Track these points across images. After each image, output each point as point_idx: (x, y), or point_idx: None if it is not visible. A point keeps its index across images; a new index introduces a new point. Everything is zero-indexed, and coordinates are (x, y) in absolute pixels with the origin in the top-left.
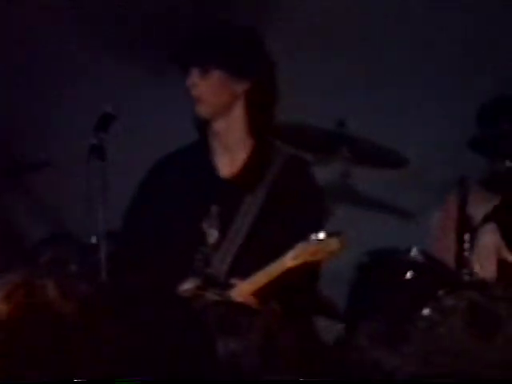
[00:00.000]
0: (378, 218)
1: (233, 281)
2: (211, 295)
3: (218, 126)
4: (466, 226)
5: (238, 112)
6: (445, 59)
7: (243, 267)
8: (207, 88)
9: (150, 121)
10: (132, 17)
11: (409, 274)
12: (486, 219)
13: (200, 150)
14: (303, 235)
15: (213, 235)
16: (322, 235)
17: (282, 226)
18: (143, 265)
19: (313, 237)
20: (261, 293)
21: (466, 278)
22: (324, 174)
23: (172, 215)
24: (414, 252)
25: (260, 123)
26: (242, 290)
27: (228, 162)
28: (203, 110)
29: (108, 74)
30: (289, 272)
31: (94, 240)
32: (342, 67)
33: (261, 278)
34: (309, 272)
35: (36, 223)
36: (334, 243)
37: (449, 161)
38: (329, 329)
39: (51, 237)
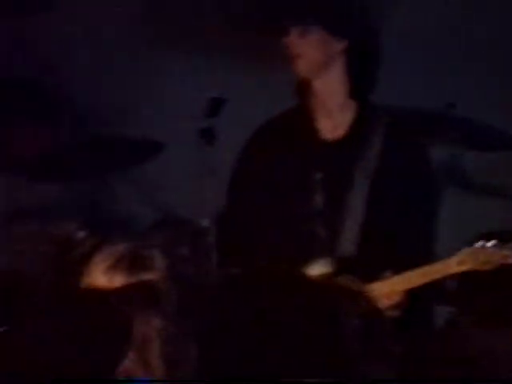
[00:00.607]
0: (487, 201)
1: (386, 273)
2: (347, 283)
3: (318, 86)
4: None
5: (338, 72)
6: None
7: (369, 249)
8: (306, 46)
9: (258, 105)
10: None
11: None
12: None
13: (301, 115)
14: (419, 215)
15: (320, 201)
16: (492, 242)
17: (396, 202)
18: (254, 242)
19: (482, 243)
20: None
21: None
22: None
23: (276, 183)
24: None
25: (361, 85)
26: (392, 286)
27: (331, 125)
28: (302, 67)
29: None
30: (449, 276)
31: (205, 223)
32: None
33: (418, 277)
34: None
35: (147, 207)
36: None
37: None
38: (440, 313)
39: (162, 220)
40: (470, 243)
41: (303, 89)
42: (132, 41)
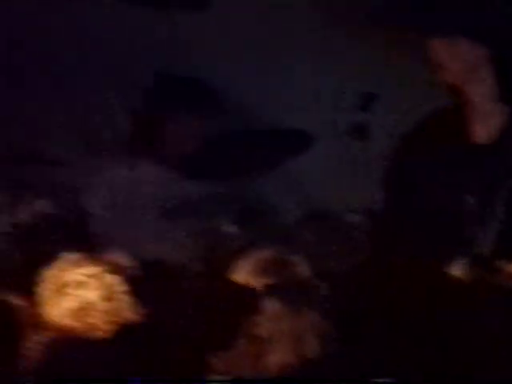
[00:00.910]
0: None
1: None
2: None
3: (468, 92)
4: None
5: (486, 78)
6: None
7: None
8: (450, 57)
9: (410, 101)
10: None
11: None
12: None
13: (454, 117)
14: None
15: (471, 202)
16: None
17: None
18: (407, 239)
19: None
20: None
21: None
22: None
23: (430, 184)
24: None
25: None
26: None
27: (483, 129)
28: (447, 77)
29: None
30: None
31: (355, 218)
32: None
33: None
34: None
35: (297, 202)
36: None
37: None
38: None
39: (312, 215)
40: None
41: (455, 91)
42: (285, 36)
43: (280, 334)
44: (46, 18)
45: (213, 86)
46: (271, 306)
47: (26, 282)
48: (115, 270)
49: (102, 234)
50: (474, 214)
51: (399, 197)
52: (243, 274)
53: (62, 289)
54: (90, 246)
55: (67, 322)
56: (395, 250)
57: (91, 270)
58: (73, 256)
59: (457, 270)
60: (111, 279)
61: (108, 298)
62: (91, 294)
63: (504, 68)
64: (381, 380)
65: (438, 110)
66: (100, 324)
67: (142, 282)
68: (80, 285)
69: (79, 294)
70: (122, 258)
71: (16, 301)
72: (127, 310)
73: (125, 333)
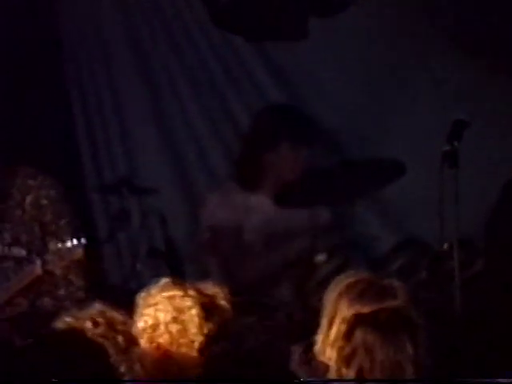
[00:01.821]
0: None
1: None
2: None
3: None
4: None
5: None
6: None
7: None
8: None
9: (502, 132)
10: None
11: None
12: None
13: None
14: None
15: None
16: None
17: None
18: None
19: None
20: None
21: None
22: None
23: None
24: None
25: None
26: None
27: None
28: None
29: (459, 81)
30: None
31: (446, 247)
32: None
33: None
34: None
35: (387, 230)
36: None
37: None
38: None
39: (402, 243)
40: None
41: None
42: (379, 64)
43: (374, 364)
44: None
45: (313, 115)
46: (363, 335)
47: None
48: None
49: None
50: None
51: (497, 229)
52: (340, 302)
53: (141, 310)
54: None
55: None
56: (487, 279)
57: (170, 293)
58: (162, 281)
59: None
60: (184, 301)
61: (177, 320)
62: (161, 315)
63: None
64: None
65: None
66: (166, 345)
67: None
68: (153, 305)
69: (150, 313)
70: (213, 286)
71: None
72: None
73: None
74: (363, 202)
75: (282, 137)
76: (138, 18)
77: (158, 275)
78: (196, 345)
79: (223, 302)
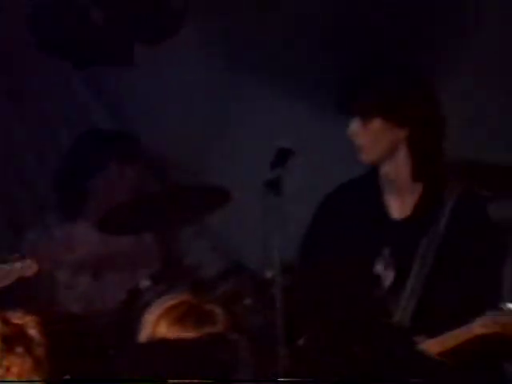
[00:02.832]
0: None
1: (420, 338)
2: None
3: (385, 169)
4: None
5: (402, 156)
6: None
7: (425, 317)
8: (368, 137)
9: (327, 154)
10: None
11: None
12: None
13: (371, 190)
14: (484, 282)
15: (389, 277)
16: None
17: (461, 271)
18: (318, 303)
19: (504, 306)
20: (447, 354)
21: None
22: (503, 211)
23: (345, 253)
24: None
25: (426, 166)
26: (429, 349)
27: (399, 203)
28: (366, 158)
29: (277, 110)
30: (478, 339)
31: (269, 274)
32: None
33: (448, 340)
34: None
35: (213, 257)
36: None
37: None
38: None
39: (227, 270)
40: None
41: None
42: (207, 91)
43: None
44: None
45: (140, 140)
46: None
47: None
48: None
49: None
50: (392, 288)
51: (312, 255)
52: (160, 325)
53: None
54: None
55: None
56: (309, 306)
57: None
58: None
59: None
60: None
61: None
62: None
63: (418, 148)
64: None
65: (357, 179)
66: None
67: None
68: None
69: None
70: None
71: None
72: None
73: None
74: (190, 227)
75: (107, 161)
76: None
77: None
78: None
79: (33, 332)
